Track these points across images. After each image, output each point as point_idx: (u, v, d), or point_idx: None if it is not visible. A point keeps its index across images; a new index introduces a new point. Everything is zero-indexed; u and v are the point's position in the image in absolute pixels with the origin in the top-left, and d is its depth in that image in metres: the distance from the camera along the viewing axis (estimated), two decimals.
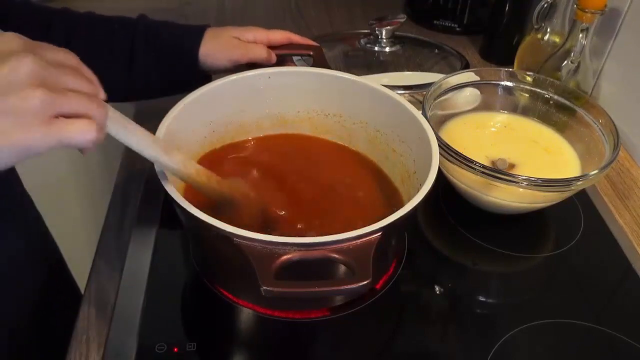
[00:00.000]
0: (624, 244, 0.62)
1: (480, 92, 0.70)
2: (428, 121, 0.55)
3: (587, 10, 0.67)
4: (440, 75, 0.68)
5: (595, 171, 0.56)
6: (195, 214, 0.43)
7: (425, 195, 0.46)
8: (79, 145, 0.35)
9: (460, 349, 0.51)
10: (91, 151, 0.37)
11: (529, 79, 0.69)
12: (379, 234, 0.42)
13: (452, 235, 0.63)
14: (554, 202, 0.61)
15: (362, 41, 0.85)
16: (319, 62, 0.65)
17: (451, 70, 0.81)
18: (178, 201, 0.43)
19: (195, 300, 0.54)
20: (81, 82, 0.36)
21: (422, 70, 0.83)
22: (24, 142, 0.33)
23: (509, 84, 0.70)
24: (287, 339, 0.51)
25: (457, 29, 1.00)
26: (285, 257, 0.41)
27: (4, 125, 0.32)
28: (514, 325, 0.53)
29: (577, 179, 0.56)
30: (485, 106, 0.70)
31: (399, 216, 0.44)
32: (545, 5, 0.77)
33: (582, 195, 0.67)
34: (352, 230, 0.42)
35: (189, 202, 0.43)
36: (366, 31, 0.86)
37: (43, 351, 0.62)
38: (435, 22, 1.00)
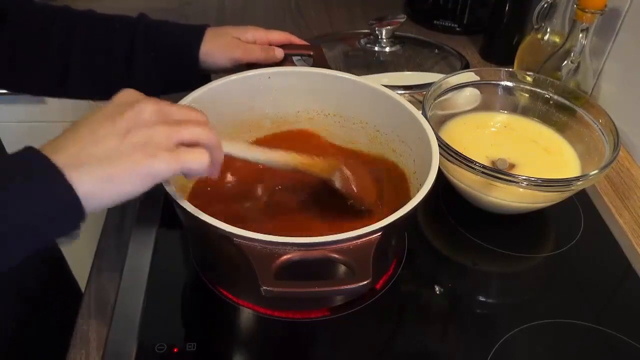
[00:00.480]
0: (624, 244, 0.62)
1: (480, 92, 0.70)
2: (428, 121, 0.55)
3: (587, 10, 0.67)
4: (440, 75, 0.68)
5: (595, 171, 0.56)
6: (195, 214, 0.43)
7: (425, 195, 0.46)
8: (197, 172, 0.40)
9: (460, 349, 0.51)
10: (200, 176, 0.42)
11: (529, 79, 0.69)
12: (379, 234, 0.42)
13: (452, 235, 0.63)
14: (554, 202, 0.61)
15: (362, 41, 0.85)
16: (319, 62, 0.65)
17: (451, 70, 0.81)
18: (178, 201, 0.43)
19: (195, 300, 0.54)
20: (191, 113, 0.42)
21: (422, 70, 0.83)
22: (151, 169, 0.38)
23: (509, 84, 0.70)
24: (287, 339, 0.51)
25: (457, 29, 1.00)
26: (285, 257, 0.41)
27: (136, 156, 0.37)
28: (514, 325, 0.53)
29: (577, 179, 0.56)
30: (485, 106, 0.70)
31: (399, 216, 0.44)
32: (545, 5, 0.77)
33: (582, 195, 0.67)
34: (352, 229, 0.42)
35: (189, 202, 0.43)
36: (366, 31, 0.86)
37: (43, 351, 0.62)
38: (435, 22, 1.00)
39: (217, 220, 0.42)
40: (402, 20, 0.85)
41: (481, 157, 0.63)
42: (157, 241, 0.58)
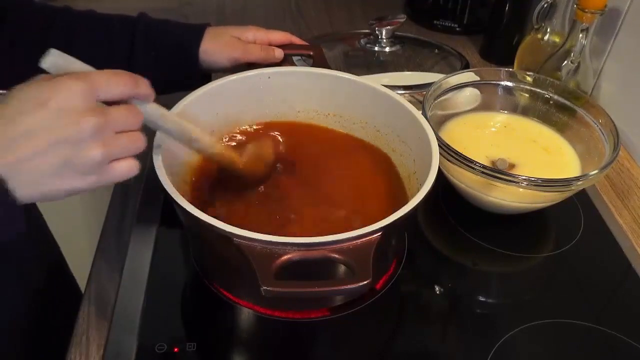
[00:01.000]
0: (624, 244, 0.62)
1: (480, 92, 0.70)
2: (428, 121, 0.55)
3: (587, 10, 0.67)
4: (440, 75, 0.68)
5: (595, 171, 0.56)
6: (195, 214, 0.43)
7: (425, 195, 0.46)
8: (121, 181, 0.40)
9: (460, 349, 0.51)
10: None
11: (529, 79, 0.69)
12: (379, 234, 0.42)
13: (452, 235, 0.63)
14: (554, 202, 0.61)
15: (362, 41, 0.85)
16: (319, 62, 0.65)
17: (451, 70, 0.81)
18: (178, 201, 0.43)
19: (195, 300, 0.54)
20: (126, 119, 0.40)
21: (422, 70, 0.82)
22: (77, 188, 0.38)
23: (509, 84, 0.70)
24: (287, 339, 0.51)
25: (457, 29, 1.00)
26: (285, 257, 0.41)
27: (65, 173, 0.37)
28: (514, 325, 0.53)
29: (577, 179, 0.56)
30: (485, 106, 0.70)
31: (399, 216, 0.44)
32: (545, 5, 0.76)
33: (582, 195, 0.67)
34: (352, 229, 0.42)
35: (189, 202, 0.43)
36: (366, 31, 0.86)
37: (43, 351, 0.62)
38: (435, 22, 1.00)
39: (217, 220, 0.42)
40: (402, 20, 0.85)
41: (481, 157, 0.63)
42: (157, 241, 0.58)
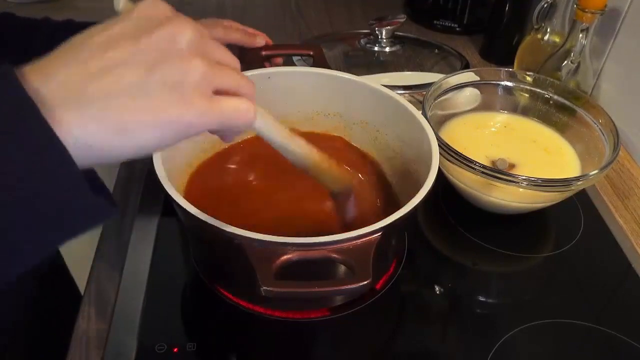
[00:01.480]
0: (624, 244, 0.62)
1: (480, 92, 0.70)
2: (428, 121, 0.55)
3: (587, 10, 0.67)
4: (440, 75, 0.68)
5: (595, 171, 0.56)
6: (195, 214, 0.43)
7: (425, 195, 0.46)
8: (239, 129, 0.31)
9: (460, 349, 0.51)
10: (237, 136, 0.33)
11: (529, 79, 0.69)
12: (379, 234, 0.42)
13: (452, 235, 0.63)
14: (554, 202, 0.61)
15: (362, 41, 0.85)
16: (319, 62, 0.65)
17: (451, 70, 0.81)
18: (178, 201, 0.43)
19: (195, 300, 0.54)
20: (229, 57, 0.32)
21: (422, 70, 0.83)
22: (183, 118, 0.28)
23: (509, 84, 0.70)
24: (287, 339, 0.51)
25: (457, 29, 1.00)
26: (285, 257, 0.41)
27: (160, 100, 0.27)
28: (514, 325, 0.53)
29: (577, 179, 0.56)
30: (485, 106, 0.70)
31: (399, 216, 0.44)
32: (545, 5, 0.77)
33: (582, 195, 0.67)
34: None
35: (189, 202, 0.43)
36: (366, 31, 0.86)
37: (43, 351, 0.62)
38: (435, 22, 1.00)
39: (217, 220, 0.42)
40: (402, 20, 0.85)
41: (481, 157, 0.63)
42: (157, 241, 0.58)
